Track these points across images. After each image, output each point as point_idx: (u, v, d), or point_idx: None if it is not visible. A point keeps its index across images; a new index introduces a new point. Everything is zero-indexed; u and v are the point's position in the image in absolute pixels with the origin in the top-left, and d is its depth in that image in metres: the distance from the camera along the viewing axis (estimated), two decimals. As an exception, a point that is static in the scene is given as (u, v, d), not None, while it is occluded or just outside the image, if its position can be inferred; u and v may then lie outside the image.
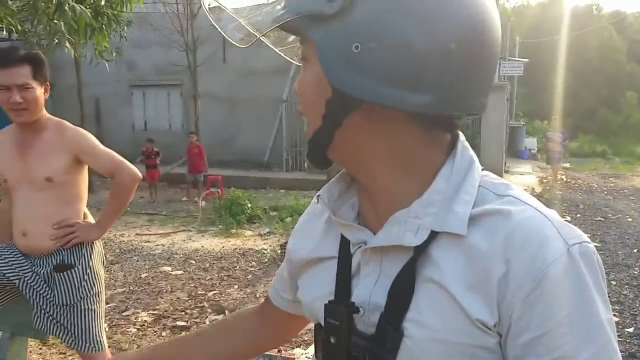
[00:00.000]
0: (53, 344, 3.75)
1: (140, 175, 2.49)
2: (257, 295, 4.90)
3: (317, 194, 0.83)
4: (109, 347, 3.66)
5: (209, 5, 0.80)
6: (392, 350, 0.70)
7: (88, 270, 2.37)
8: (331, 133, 0.72)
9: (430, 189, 0.71)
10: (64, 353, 3.63)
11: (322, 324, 0.80)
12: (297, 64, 0.82)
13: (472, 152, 0.75)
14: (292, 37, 0.78)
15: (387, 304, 0.71)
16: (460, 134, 0.76)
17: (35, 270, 2.35)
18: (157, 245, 6.89)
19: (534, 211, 0.68)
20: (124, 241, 7.03)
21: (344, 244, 0.80)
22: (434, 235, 0.69)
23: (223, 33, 0.78)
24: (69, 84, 12.31)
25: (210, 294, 4.98)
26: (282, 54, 0.83)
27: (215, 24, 0.80)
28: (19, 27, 5.18)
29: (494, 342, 0.66)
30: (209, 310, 4.56)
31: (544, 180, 14.34)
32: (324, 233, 0.85)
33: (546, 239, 0.65)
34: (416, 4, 0.64)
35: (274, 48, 0.80)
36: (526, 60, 19.95)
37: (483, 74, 0.69)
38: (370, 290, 0.74)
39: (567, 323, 0.63)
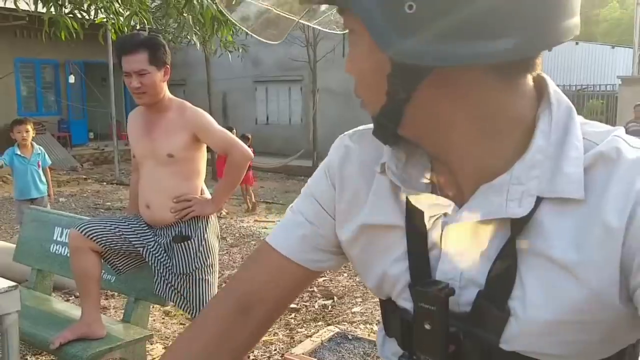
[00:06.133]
0: (174, 314, 4.03)
1: (251, 154, 2.61)
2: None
3: (381, 162, 0.71)
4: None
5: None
6: (495, 331, 0.63)
7: (203, 242, 2.52)
8: (399, 109, 0.61)
9: (531, 148, 0.61)
10: (184, 324, 3.89)
11: (397, 303, 0.73)
12: (341, 32, 0.70)
13: (565, 97, 0.64)
14: (323, 6, 0.67)
15: (488, 281, 0.63)
16: (546, 76, 0.65)
17: (157, 240, 2.54)
18: (274, 232, 7.15)
19: None
20: (243, 227, 7.38)
21: (413, 212, 0.69)
22: (538, 202, 0.60)
23: (251, 33, 0.71)
24: (200, 80, 13.18)
25: (321, 280, 5.07)
26: (321, 28, 0.73)
27: (240, 24, 0.72)
28: (153, 25, 5.59)
29: (618, 315, 0.59)
30: (319, 295, 4.65)
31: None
32: (379, 194, 0.73)
33: None
34: None
35: (309, 24, 0.70)
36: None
37: None
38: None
39: None
